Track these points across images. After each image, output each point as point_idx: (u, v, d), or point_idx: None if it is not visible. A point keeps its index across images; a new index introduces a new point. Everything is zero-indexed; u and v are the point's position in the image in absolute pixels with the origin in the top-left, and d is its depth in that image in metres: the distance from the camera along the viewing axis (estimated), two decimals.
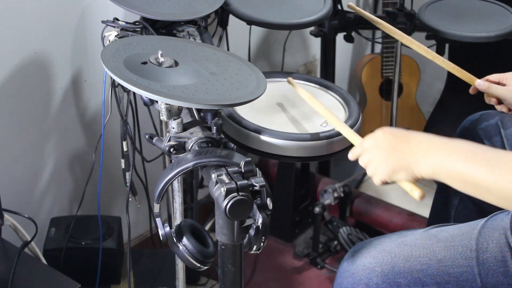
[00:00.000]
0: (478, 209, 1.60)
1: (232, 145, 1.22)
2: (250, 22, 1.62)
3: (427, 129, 2.60)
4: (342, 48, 2.59)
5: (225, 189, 1.04)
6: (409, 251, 1.22)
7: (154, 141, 1.23)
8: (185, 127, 1.24)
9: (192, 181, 2.02)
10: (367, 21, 1.74)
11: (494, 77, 1.48)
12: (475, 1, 1.97)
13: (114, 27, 1.45)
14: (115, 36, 1.44)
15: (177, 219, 1.48)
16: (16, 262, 1.40)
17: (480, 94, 1.50)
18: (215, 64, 1.26)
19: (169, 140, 1.20)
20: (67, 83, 1.80)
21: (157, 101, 1.23)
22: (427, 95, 2.90)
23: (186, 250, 1.13)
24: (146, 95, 1.10)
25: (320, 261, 2.07)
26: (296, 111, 1.40)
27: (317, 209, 2.04)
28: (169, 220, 1.86)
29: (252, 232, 1.09)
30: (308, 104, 1.41)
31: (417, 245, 1.23)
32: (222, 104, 1.15)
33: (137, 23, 1.47)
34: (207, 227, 2.22)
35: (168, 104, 1.19)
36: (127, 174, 1.70)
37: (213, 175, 1.08)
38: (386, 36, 2.37)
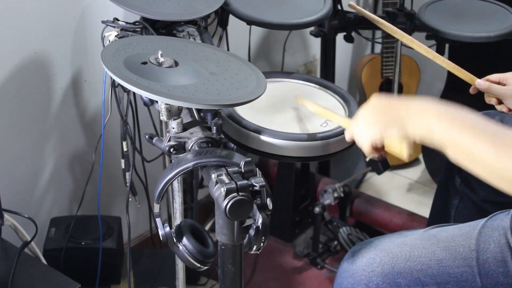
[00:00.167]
0: (478, 209, 1.60)
1: (232, 145, 1.22)
2: (250, 22, 1.62)
3: None
4: (342, 48, 2.59)
5: (225, 189, 1.04)
6: (409, 251, 1.22)
7: (154, 141, 1.23)
8: (185, 127, 1.24)
9: (192, 181, 2.02)
10: (367, 21, 1.74)
11: (494, 77, 1.48)
12: (475, 1, 1.97)
13: (114, 27, 1.45)
14: (115, 36, 1.44)
15: (177, 219, 1.48)
16: (16, 262, 1.41)
17: (480, 94, 1.50)
18: (215, 64, 1.26)
19: (169, 140, 1.20)
20: (67, 83, 1.80)
21: (157, 101, 1.23)
22: (427, 95, 2.91)
23: (186, 250, 1.13)
24: (146, 95, 1.10)
25: (320, 261, 2.08)
26: (296, 111, 1.40)
27: (317, 209, 2.04)
28: (169, 220, 1.86)
29: (252, 232, 1.09)
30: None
31: (417, 245, 1.23)
32: (222, 104, 1.15)
33: (137, 23, 1.47)
34: (207, 227, 2.22)
35: (168, 104, 1.19)
36: (127, 174, 1.70)
37: (213, 175, 1.08)
38: (386, 36, 2.37)
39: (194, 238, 1.14)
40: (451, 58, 2.31)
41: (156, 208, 1.15)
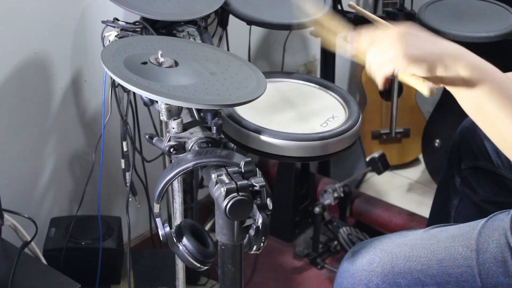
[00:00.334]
0: (478, 209, 1.60)
1: (232, 145, 1.22)
2: (250, 22, 1.62)
3: (427, 129, 2.60)
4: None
5: (225, 189, 1.04)
6: (409, 251, 1.22)
7: (154, 141, 1.23)
8: (185, 127, 1.24)
9: (192, 181, 2.02)
10: (367, 21, 1.73)
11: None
12: (475, 1, 1.97)
13: (114, 27, 1.45)
14: (115, 36, 1.44)
15: (177, 219, 1.48)
16: (16, 262, 1.41)
17: None
18: (215, 64, 1.26)
19: (169, 140, 1.20)
20: (67, 83, 1.80)
21: (157, 101, 1.23)
22: None
23: (186, 250, 1.13)
24: (146, 95, 1.10)
25: (320, 261, 2.07)
26: (296, 111, 1.40)
27: (317, 209, 2.04)
28: (169, 220, 1.86)
29: (252, 232, 1.09)
30: (308, 105, 1.42)
31: (417, 245, 1.23)
32: (222, 104, 1.15)
33: (137, 23, 1.47)
34: (207, 227, 2.22)
35: (168, 104, 1.19)
36: (127, 174, 1.70)
37: (213, 175, 1.08)
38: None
39: (194, 238, 1.14)
40: None
41: (156, 208, 1.15)
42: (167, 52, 1.23)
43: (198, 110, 1.28)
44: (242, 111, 1.34)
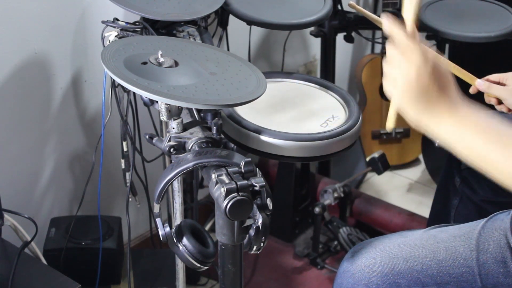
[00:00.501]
0: (478, 209, 1.60)
1: (232, 145, 1.22)
2: (250, 22, 1.62)
3: None
4: (342, 48, 2.58)
5: (225, 189, 1.04)
6: (409, 252, 1.22)
7: (154, 141, 1.23)
8: (185, 127, 1.24)
9: (192, 181, 2.02)
10: (367, 21, 1.73)
11: (494, 77, 1.48)
12: (475, 1, 1.97)
13: (114, 27, 1.45)
14: (115, 36, 1.44)
15: (177, 219, 1.48)
16: (16, 262, 1.40)
17: (480, 94, 1.50)
18: (215, 64, 1.26)
19: (169, 140, 1.20)
20: (67, 83, 1.80)
21: (157, 101, 1.23)
22: None
23: (186, 250, 1.13)
24: (146, 95, 1.10)
25: (320, 261, 2.07)
26: (296, 111, 1.40)
27: (317, 209, 2.04)
28: (169, 220, 1.86)
29: (252, 232, 1.09)
30: (308, 105, 1.42)
31: (417, 245, 1.23)
32: (222, 104, 1.15)
33: (137, 23, 1.47)
34: (207, 227, 2.22)
35: (168, 104, 1.19)
36: (127, 174, 1.70)
37: (213, 175, 1.08)
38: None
39: (194, 238, 1.14)
40: (451, 58, 2.31)
41: (156, 208, 1.15)
42: (167, 52, 1.23)
43: (198, 110, 1.28)
44: (242, 111, 1.34)
